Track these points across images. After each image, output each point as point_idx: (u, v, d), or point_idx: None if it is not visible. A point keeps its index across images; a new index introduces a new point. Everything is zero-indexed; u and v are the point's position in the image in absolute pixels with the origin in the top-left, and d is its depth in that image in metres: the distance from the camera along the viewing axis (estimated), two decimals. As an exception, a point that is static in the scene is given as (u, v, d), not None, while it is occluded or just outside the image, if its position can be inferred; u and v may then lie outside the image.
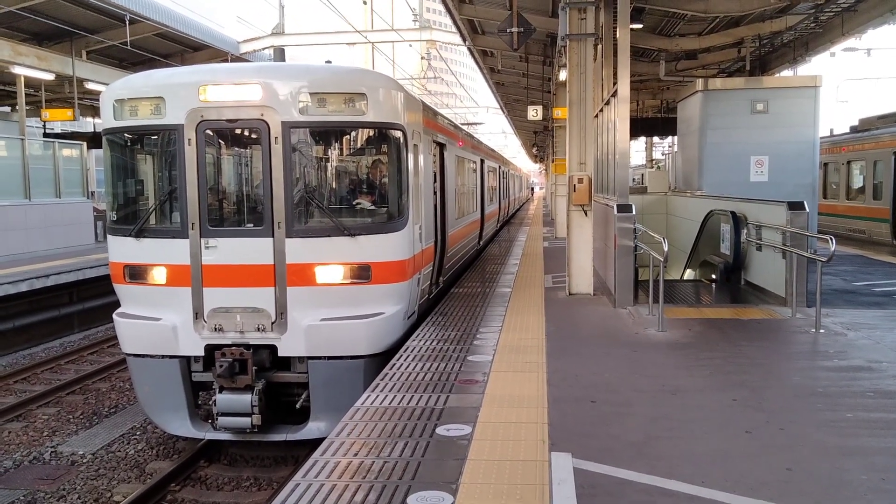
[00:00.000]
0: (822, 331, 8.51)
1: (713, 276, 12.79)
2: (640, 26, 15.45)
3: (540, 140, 47.01)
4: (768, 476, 4.53)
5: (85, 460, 8.70)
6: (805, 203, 9.73)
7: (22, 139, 20.21)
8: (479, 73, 29.13)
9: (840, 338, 8.28)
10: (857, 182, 21.03)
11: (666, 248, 8.87)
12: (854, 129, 21.95)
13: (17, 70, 20.02)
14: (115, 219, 8.56)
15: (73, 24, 20.25)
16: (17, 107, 23.01)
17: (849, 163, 21.22)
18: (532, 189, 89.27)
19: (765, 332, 8.69)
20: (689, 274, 15.13)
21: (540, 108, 25.88)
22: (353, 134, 8.49)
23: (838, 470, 4.62)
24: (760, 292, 10.92)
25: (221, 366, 7.67)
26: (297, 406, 8.07)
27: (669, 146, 43.44)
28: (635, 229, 10.18)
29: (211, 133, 7.97)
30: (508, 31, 12.04)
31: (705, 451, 4.96)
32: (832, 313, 9.50)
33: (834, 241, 8.47)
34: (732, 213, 11.69)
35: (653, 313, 9.35)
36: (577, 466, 4.66)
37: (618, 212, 10.17)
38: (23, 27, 20.42)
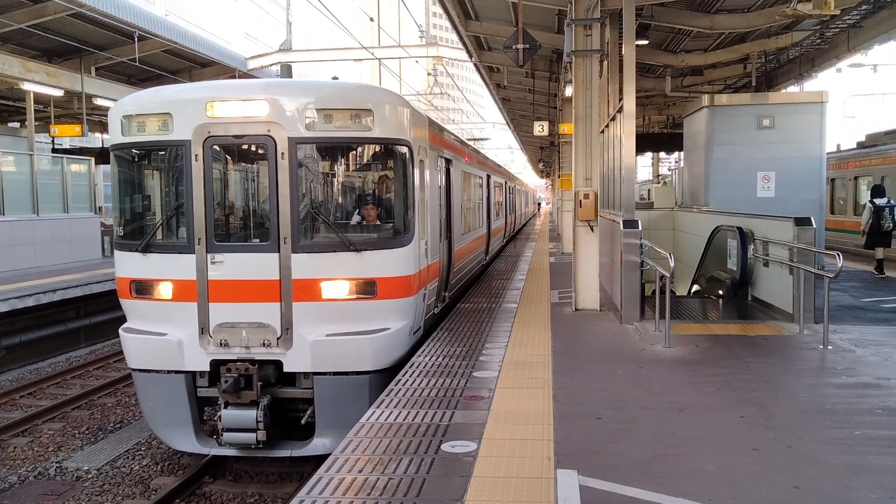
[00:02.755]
0: (829, 347, 8.47)
1: (720, 292, 12.75)
2: (645, 42, 15.52)
3: (546, 155, 47.13)
4: (776, 494, 4.49)
5: (90, 476, 8.69)
6: (812, 219, 9.70)
7: (31, 154, 20.37)
8: (486, 89, 29.25)
9: (848, 354, 8.23)
10: (865, 198, 20.97)
11: (672, 264, 8.86)
12: (861, 145, 21.92)
13: (26, 86, 20.20)
14: (121, 234, 8.59)
15: (82, 41, 20.42)
16: (27, 122, 23.19)
17: (856, 178, 21.18)
18: (539, 204, 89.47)
19: (772, 348, 8.64)
20: (695, 290, 15.08)
21: (546, 124, 25.94)
22: (360, 150, 8.52)
23: (847, 488, 4.58)
24: (768, 308, 10.87)
25: (227, 381, 7.66)
26: (303, 422, 8.05)
27: (676, 161, 43.44)
28: (641, 245, 10.16)
29: (218, 149, 8.00)
30: (514, 47, 12.08)
31: (712, 468, 4.93)
32: (840, 330, 9.45)
33: (841, 256, 8.43)
34: (739, 228, 11.66)
35: (659, 329, 9.32)
36: (583, 484, 4.63)
37: (624, 227, 10.16)
38: (33, 44, 20.60)
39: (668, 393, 6.77)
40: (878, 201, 14.88)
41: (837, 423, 5.84)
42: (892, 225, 14.73)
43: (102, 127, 29.26)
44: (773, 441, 5.43)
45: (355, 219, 8.34)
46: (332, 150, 8.34)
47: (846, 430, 5.68)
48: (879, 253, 14.81)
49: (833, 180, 21.87)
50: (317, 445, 7.94)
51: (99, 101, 22.68)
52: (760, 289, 11.43)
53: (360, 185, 8.71)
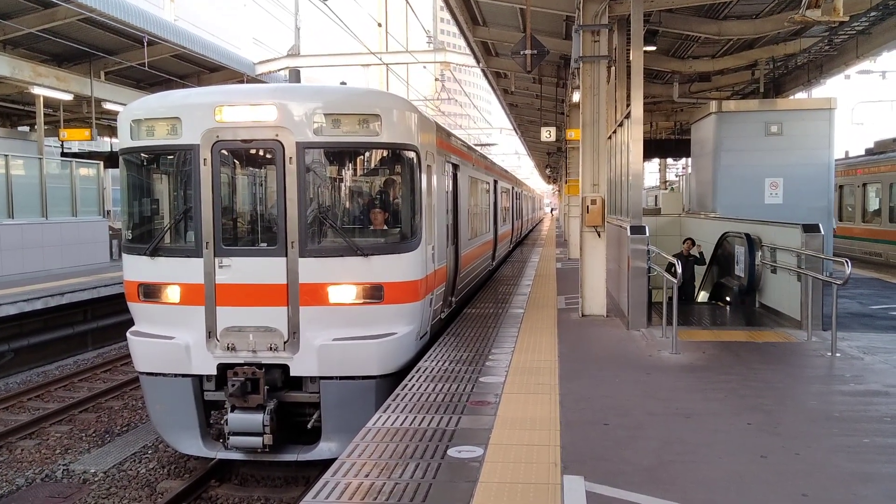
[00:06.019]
0: (838, 354, 8.43)
1: (727, 299, 12.71)
2: (653, 48, 15.50)
3: (553, 161, 47.09)
4: (784, 502, 4.48)
5: (97, 479, 8.70)
6: (820, 225, 9.68)
7: (40, 158, 20.47)
8: (493, 95, 29.29)
9: (856, 362, 8.19)
10: (874, 204, 20.91)
11: (679, 271, 8.84)
12: (869, 152, 21.85)
13: (36, 90, 20.33)
14: (130, 237, 8.62)
15: (92, 46, 20.53)
16: (36, 126, 23.33)
17: (864, 185, 21.11)
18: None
19: (780, 355, 8.61)
20: (703, 296, 15.04)
21: (553, 130, 25.93)
22: (367, 154, 8.54)
23: (855, 496, 4.55)
24: (775, 315, 10.84)
25: (233, 385, 7.67)
26: (309, 426, 8.05)
27: (683, 168, 43.36)
28: (649, 251, 10.15)
29: (226, 153, 8.03)
30: (522, 53, 12.07)
31: (719, 476, 4.91)
32: (848, 337, 9.42)
33: (850, 263, 8.40)
34: (747, 235, 11.63)
35: (666, 335, 9.30)
36: (589, 490, 4.62)
37: (631, 233, 10.15)
38: (43, 48, 20.72)
39: (675, 399, 6.75)
40: None
41: (846, 431, 5.81)
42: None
43: (111, 131, 29.42)
44: (781, 448, 5.41)
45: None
46: (340, 154, 8.36)
47: (854, 437, 5.66)
48: None
49: (841, 187, 21.80)
50: (323, 450, 7.94)
51: (108, 106, 22.82)
52: (768, 295, 11.40)
53: (368, 189, 8.73)
